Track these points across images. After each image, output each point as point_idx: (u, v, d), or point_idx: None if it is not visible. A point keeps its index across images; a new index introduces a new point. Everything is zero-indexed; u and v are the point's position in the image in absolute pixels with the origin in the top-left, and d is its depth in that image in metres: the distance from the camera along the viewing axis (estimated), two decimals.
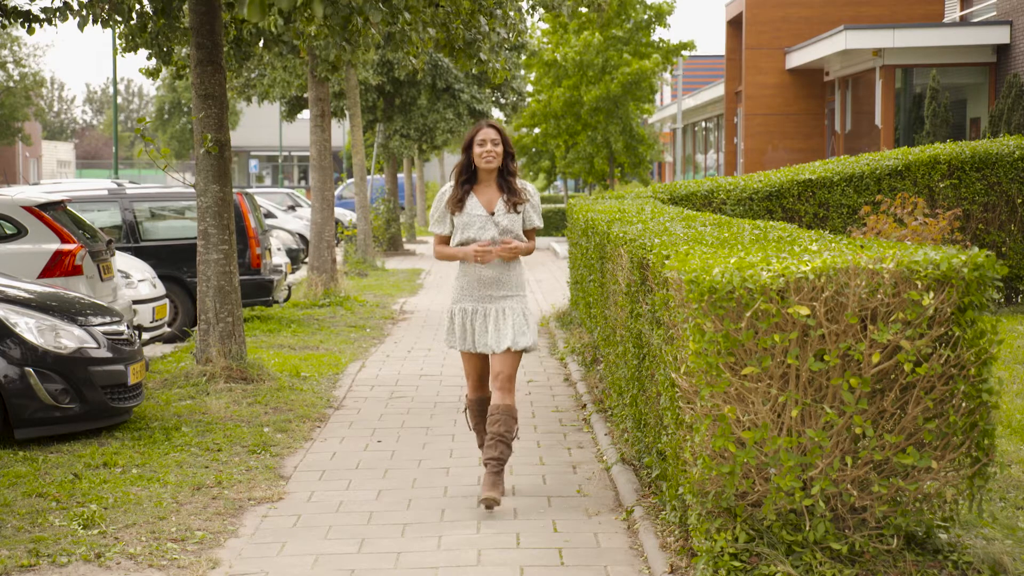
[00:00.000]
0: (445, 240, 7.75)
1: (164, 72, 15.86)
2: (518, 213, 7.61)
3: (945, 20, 30.79)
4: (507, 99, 34.96)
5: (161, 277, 14.87)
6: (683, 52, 37.66)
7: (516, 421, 7.57)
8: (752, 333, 5.35)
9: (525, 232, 7.71)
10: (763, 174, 15.77)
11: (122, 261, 13.92)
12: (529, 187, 7.70)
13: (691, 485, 5.70)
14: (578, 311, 14.71)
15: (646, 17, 37.23)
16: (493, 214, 7.57)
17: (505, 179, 7.61)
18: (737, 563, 5.53)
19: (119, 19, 11.56)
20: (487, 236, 7.55)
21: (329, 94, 20.90)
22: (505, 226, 7.57)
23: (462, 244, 7.62)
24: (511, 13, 12.96)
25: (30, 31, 11.25)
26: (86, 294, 11.15)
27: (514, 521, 7.22)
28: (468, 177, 7.62)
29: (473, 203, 7.58)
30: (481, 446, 7.89)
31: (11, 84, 59.62)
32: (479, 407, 7.91)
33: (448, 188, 7.68)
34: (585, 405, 10.58)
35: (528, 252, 7.70)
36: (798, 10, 35.65)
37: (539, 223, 7.76)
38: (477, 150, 7.55)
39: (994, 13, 27.48)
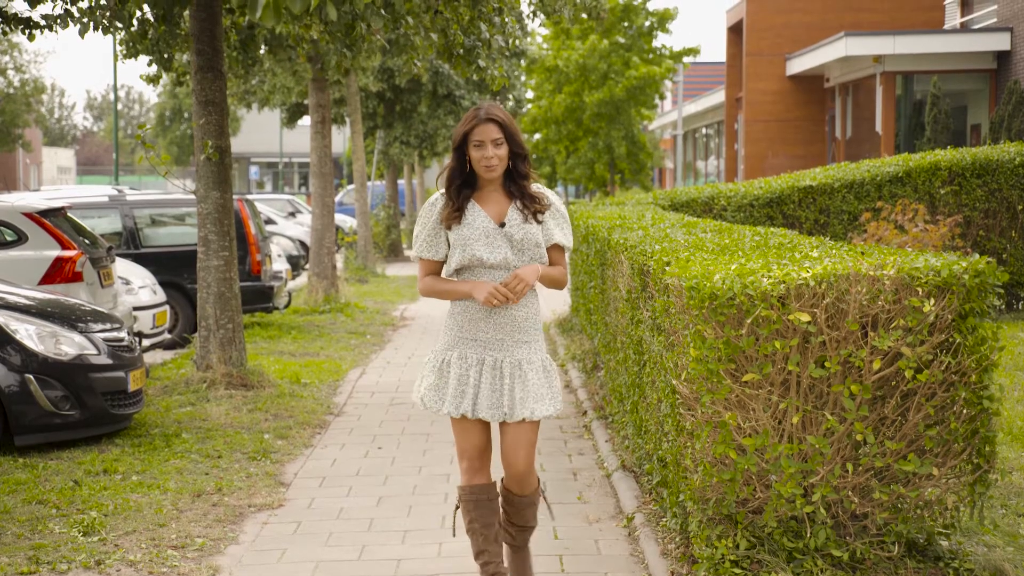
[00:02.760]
0: (437, 269, 5.71)
1: (165, 78, 15.85)
2: (539, 223, 5.63)
3: (945, 27, 30.80)
4: (506, 106, 34.99)
5: (161, 283, 14.87)
6: (686, 58, 37.77)
7: (537, 506, 5.86)
8: (753, 340, 5.35)
9: (548, 251, 5.71)
10: (764, 180, 15.77)
11: (122, 267, 13.92)
12: (550, 194, 5.73)
13: (692, 492, 5.69)
14: (579, 317, 14.70)
15: (648, 23, 37.34)
16: (504, 225, 5.57)
17: (516, 183, 5.64)
18: (738, 570, 5.52)
19: (120, 26, 11.56)
20: (498, 256, 5.54)
21: (330, 100, 20.92)
22: (521, 240, 5.56)
23: (462, 268, 5.62)
24: (508, 20, 12.96)
25: (30, 38, 11.24)
26: (86, 301, 11.15)
27: None
28: (464, 181, 5.67)
29: (475, 212, 5.60)
30: (479, 556, 5.72)
31: (12, 91, 59.63)
32: (478, 498, 5.69)
33: (438, 198, 5.69)
34: (586, 412, 10.57)
35: (558, 283, 5.68)
36: (799, 16, 35.67)
37: (564, 239, 5.69)
38: (474, 154, 5.57)
39: (995, 20, 27.48)
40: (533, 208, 5.61)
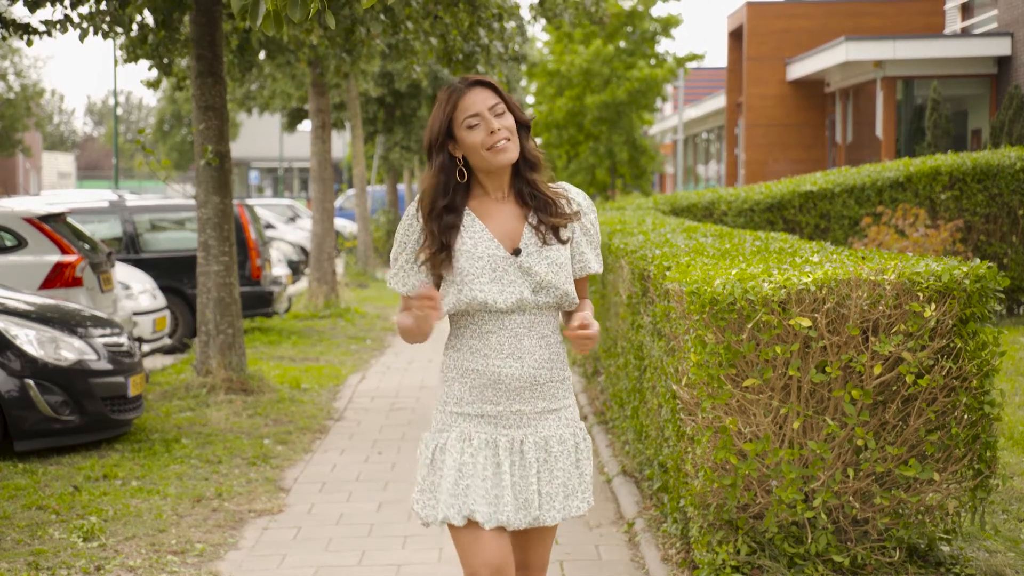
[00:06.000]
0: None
1: (165, 83, 15.84)
2: (564, 242, 3.96)
3: (946, 32, 30.81)
4: None
5: (161, 288, 14.86)
6: (688, 64, 37.85)
7: None
8: (753, 345, 5.34)
9: (576, 283, 4.08)
10: (764, 185, 15.78)
11: (122, 272, 13.92)
12: (575, 193, 4.06)
13: (692, 497, 5.68)
14: None
15: (652, 29, 37.46)
16: (518, 252, 3.91)
17: (525, 180, 3.96)
18: (739, 575, 5.52)
19: (120, 30, 11.56)
20: (510, 297, 3.89)
21: (330, 105, 20.92)
22: (544, 275, 3.90)
23: (460, 313, 3.97)
24: (508, 26, 12.95)
25: (28, 43, 11.23)
26: (86, 306, 11.14)
27: None
28: (448, 204, 3.92)
29: (476, 231, 3.93)
30: None
31: (11, 96, 59.64)
32: None
33: (413, 213, 3.97)
34: (586, 417, 10.56)
35: (584, 334, 3.87)
36: (799, 21, 35.70)
37: (596, 265, 4.06)
38: (472, 139, 3.86)
39: (995, 25, 27.49)
40: (551, 221, 3.94)
